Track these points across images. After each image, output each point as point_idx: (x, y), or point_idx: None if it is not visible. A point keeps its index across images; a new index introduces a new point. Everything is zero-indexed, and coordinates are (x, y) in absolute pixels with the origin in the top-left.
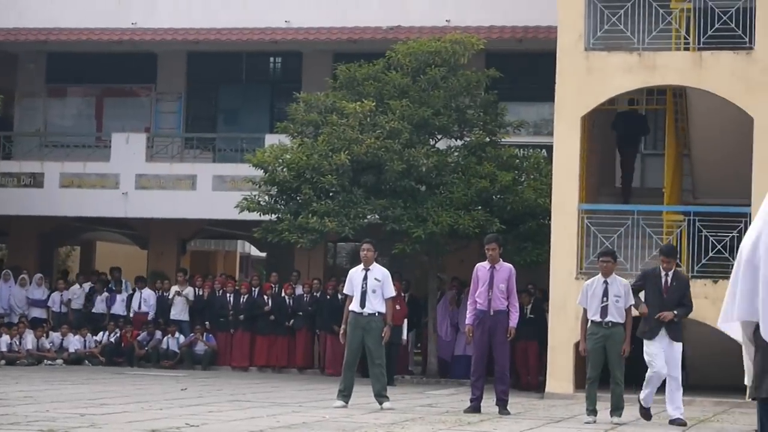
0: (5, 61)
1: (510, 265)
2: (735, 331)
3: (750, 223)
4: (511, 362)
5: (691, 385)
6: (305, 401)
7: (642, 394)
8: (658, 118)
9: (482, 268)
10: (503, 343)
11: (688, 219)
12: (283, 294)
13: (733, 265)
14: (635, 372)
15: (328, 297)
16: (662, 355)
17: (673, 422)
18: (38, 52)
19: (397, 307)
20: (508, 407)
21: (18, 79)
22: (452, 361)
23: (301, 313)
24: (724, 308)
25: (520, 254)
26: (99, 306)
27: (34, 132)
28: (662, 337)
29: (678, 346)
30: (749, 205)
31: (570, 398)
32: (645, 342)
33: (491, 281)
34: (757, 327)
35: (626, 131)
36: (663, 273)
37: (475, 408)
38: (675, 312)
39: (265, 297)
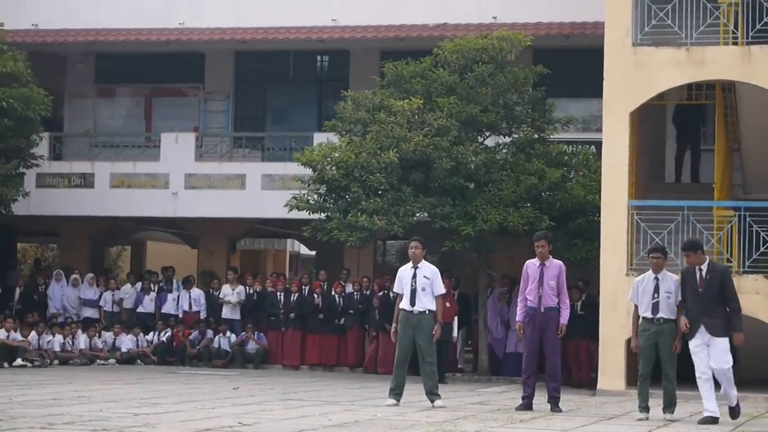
0: (54, 62)
1: (560, 262)
2: None
3: None
4: (562, 359)
5: (744, 381)
6: (357, 399)
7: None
8: (707, 113)
9: (532, 265)
10: (554, 340)
11: (738, 214)
12: (333, 292)
13: None
14: (688, 368)
15: (379, 294)
16: (703, 355)
17: (702, 421)
18: (87, 53)
19: (447, 304)
20: (559, 404)
21: (67, 80)
22: (504, 359)
23: (351, 312)
24: None
25: (569, 251)
26: (148, 306)
27: (84, 133)
28: (702, 335)
29: (720, 341)
30: None
31: (622, 395)
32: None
33: (541, 278)
34: None
35: (686, 124)
36: (695, 269)
37: (526, 405)
38: (686, 322)
39: (315, 295)
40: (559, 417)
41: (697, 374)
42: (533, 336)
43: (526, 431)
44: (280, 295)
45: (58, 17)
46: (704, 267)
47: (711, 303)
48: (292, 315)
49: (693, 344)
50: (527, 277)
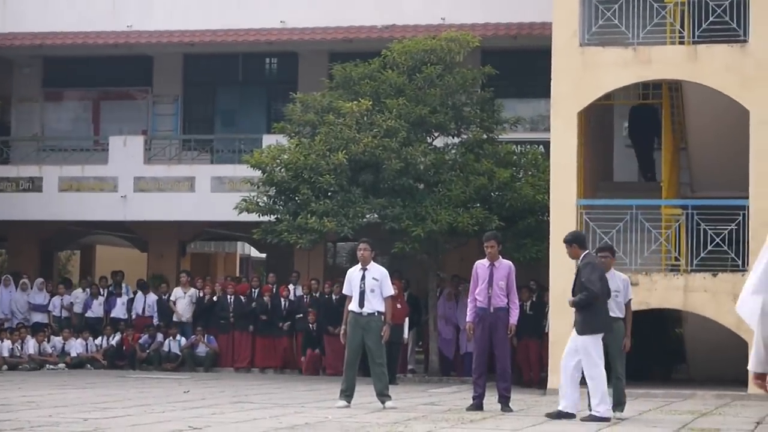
0: (1, 66)
1: (509, 262)
2: (754, 309)
3: (749, 216)
4: (512, 359)
5: (692, 378)
6: (307, 402)
7: None
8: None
9: (481, 265)
10: (504, 340)
11: (686, 213)
12: (280, 296)
13: (732, 257)
14: (637, 366)
15: (326, 297)
16: (572, 350)
17: (585, 419)
18: (34, 56)
19: (398, 305)
20: (510, 404)
21: (14, 83)
22: (455, 359)
23: (299, 315)
24: (746, 286)
25: (519, 251)
26: (97, 310)
27: (31, 137)
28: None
29: (582, 339)
30: (747, 197)
31: None
32: None
33: (491, 278)
34: None
35: (639, 125)
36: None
37: (477, 405)
38: (570, 299)
39: (265, 299)
40: (509, 417)
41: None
42: (483, 336)
43: (477, 431)
44: (230, 299)
45: (5, 21)
46: (579, 261)
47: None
48: (232, 318)
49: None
50: (477, 278)
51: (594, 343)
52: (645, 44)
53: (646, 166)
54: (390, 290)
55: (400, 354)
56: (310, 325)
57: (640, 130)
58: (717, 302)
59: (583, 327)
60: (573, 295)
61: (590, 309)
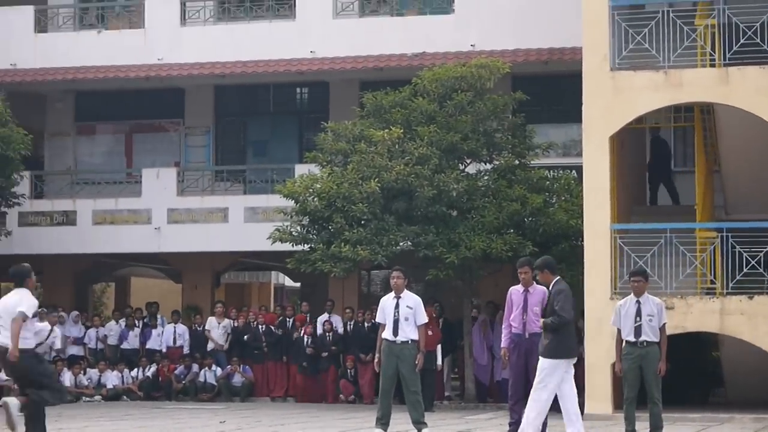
0: (34, 101)
1: (544, 288)
2: None
3: None
4: None
5: (730, 402)
6: (345, 430)
7: None
8: (687, 136)
9: (516, 291)
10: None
11: (721, 236)
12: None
13: (767, 280)
14: (673, 391)
15: (360, 325)
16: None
17: None
18: (66, 91)
19: (430, 332)
20: (547, 430)
21: (47, 118)
22: (491, 385)
23: (334, 347)
24: None
25: None
26: (133, 341)
27: (64, 170)
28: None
29: (543, 361)
30: None
31: (608, 419)
32: None
33: (525, 304)
34: None
35: (655, 156)
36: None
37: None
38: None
39: (305, 336)
40: None
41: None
42: (518, 362)
43: None
44: (261, 328)
45: (37, 56)
46: (551, 287)
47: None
48: (265, 348)
49: None
50: (511, 304)
51: (552, 368)
52: (676, 67)
53: (671, 192)
54: (424, 318)
55: (436, 380)
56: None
57: (658, 159)
58: (753, 325)
59: (548, 350)
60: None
61: (558, 335)
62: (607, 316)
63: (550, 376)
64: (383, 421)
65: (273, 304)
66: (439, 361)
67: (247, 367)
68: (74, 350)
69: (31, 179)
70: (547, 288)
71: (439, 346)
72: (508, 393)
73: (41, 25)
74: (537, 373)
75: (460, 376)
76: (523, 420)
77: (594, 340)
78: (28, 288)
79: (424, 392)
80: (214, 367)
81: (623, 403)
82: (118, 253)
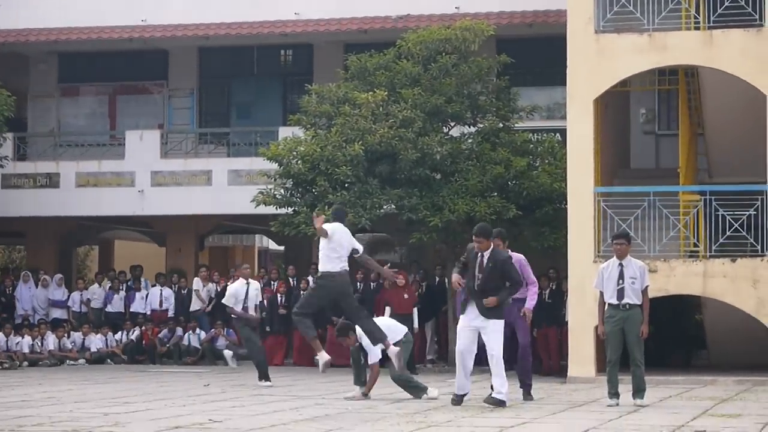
0: (17, 62)
1: (520, 256)
2: None
3: (767, 200)
4: (532, 348)
5: (712, 364)
6: (327, 393)
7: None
8: (671, 99)
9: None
10: (523, 329)
11: (704, 199)
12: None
13: (751, 243)
14: (656, 353)
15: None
16: (467, 333)
17: (488, 401)
18: (49, 52)
19: (405, 296)
20: (531, 392)
21: (30, 80)
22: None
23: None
24: None
25: (537, 239)
26: (117, 305)
27: (48, 132)
28: (472, 315)
29: (494, 322)
30: (765, 182)
31: (592, 382)
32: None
33: None
34: None
35: None
36: (479, 253)
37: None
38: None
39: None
40: (530, 405)
41: (457, 350)
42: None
43: (498, 419)
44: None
45: (20, 17)
46: (486, 254)
47: (488, 288)
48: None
49: (461, 322)
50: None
51: (502, 327)
52: (660, 30)
53: None
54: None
55: (416, 344)
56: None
57: None
58: (736, 288)
59: (497, 312)
60: (479, 281)
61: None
62: (590, 280)
63: (502, 333)
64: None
65: (257, 268)
66: (416, 325)
67: (231, 330)
68: (58, 313)
69: (14, 141)
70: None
71: (415, 309)
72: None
73: None
74: (494, 335)
75: (443, 340)
76: (497, 382)
77: (577, 304)
78: None
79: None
80: (198, 330)
81: (606, 366)
82: (101, 216)
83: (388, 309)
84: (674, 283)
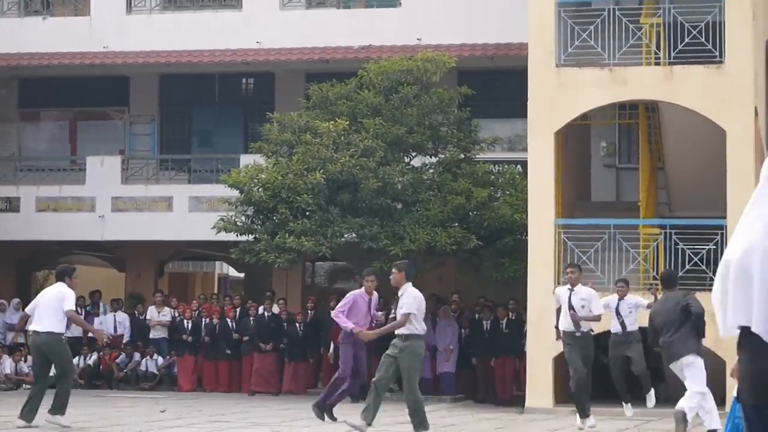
0: None
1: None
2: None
3: (727, 235)
4: (490, 376)
5: (670, 397)
6: (284, 420)
7: None
8: (631, 133)
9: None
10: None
11: (664, 232)
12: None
13: (710, 276)
14: (612, 385)
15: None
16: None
17: None
18: (10, 77)
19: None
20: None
21: None
22: (437, 378)
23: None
24: (719, 321)
25: (497, 270)
26: (74, 329)
27: (8, 157)
28: None
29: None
30: (725, 217)
31: (550, 413)
32: None
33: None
34: (743, 332)
35: None
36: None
37: None
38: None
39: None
40: None
41: None
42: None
43: None
44: (187, 323)
45: None
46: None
47: None
48: (189, 338)
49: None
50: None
51: None
52: (621, 65)
53: None
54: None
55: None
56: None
57: None
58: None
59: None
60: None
61: None
62: (549, 310)
63: None
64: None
65: (218, 295)
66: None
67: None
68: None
69: None
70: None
71: None
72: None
73: None
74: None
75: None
76: None
77: (537, 334)
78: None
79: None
80: (155, 356)
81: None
82: (61, 241)
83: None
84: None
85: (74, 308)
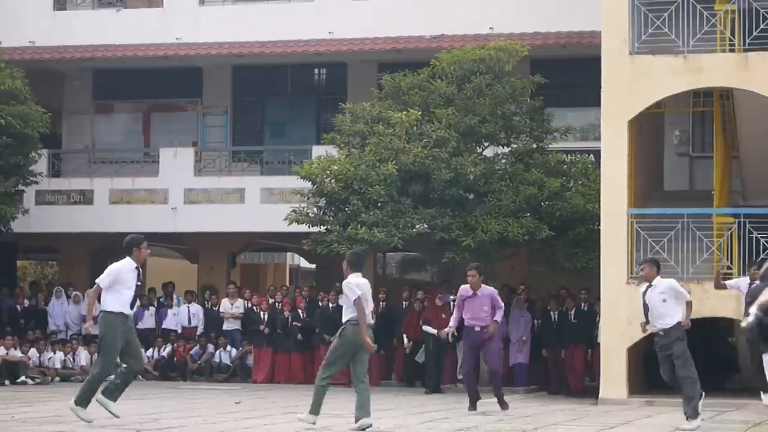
0: (52, 79)
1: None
2: None
3: None
4: (560, 367)
5: (745, 388)
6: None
7: None
8: (705, 121)
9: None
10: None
11: (738, 221)
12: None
13: None
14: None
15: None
16: None
17: None
18: (84, 69)
19: (443, 315)
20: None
21: (65, 97)
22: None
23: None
24: None
25: (570, 260)
26: (148, 321)
27: (82, 149)
28: None
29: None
30: None
31: (624, 403)
32: None
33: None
34: None
35: None
36: None
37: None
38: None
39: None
40: (563, 427)
41: None
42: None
43: None
44: (263, 314)
45: (55, 34)
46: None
47: None
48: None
49: None
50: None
51: None
52: (695, 52)
53: None
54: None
55: (446, 364)
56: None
57: None
58: None
59: None
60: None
61: None
62: (622, 301)
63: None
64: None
65: (289, 285)
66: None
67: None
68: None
69: (48, 158)
70: None
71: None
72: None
73: (60, 2)
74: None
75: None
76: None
77: (610, 325)
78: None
79: (436, 372)
80: (229, 347)
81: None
82: (134, 233)
83: (428, 327)
84: (708, 306)
85: (100, 285)
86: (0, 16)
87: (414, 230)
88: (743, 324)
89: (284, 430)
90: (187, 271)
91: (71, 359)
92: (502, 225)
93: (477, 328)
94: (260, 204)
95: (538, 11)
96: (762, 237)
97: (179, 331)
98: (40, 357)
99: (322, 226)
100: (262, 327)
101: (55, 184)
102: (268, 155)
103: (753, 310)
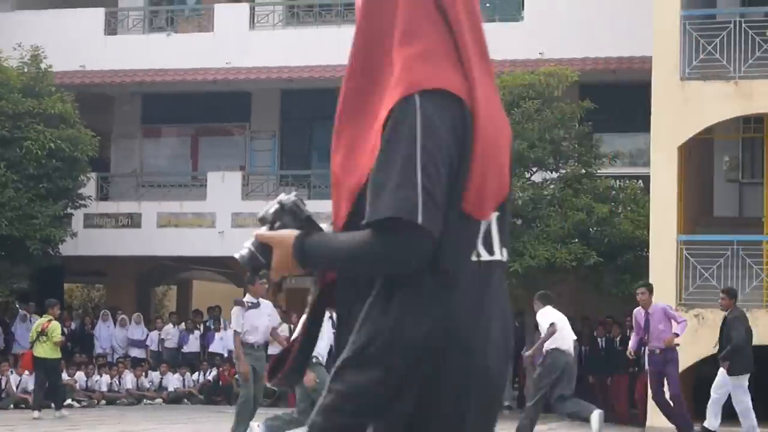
0: (101, 103)
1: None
2: None
3: None
4: (605, 394)
5: None
6: None
7: None
8: (755, 147)
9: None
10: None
11: None
12: None
13: None
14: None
15: None
16: None
17: None
18: (133, 93)
19: None
20: None
21: (114, 120)
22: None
23: None
24: None
25: (618, 286)
26: (193, 345)
27: (130, 173)
28: None
29: None
30: None
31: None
32: None
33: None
34: None
35: None
36: None
37: None
38: None
39: None
40: None
41: None
42: None
43: None
44: None
45: (106, 58)
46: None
47: None
48: None
49: None
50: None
51: None
52: (747, 78)
53: None
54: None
55: None
56: None
57: None
58: None
59: None
60: None
61: None
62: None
63: None
64: None
65: None
66: None
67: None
68: (136, 352)
69: (97, 181)
70: None
71: None
72: None
73: (111, 27)
74: None
75: (521, 385)
76: None
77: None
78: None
79: None
80: None
81: None
82: (181, 257)
83: None
84: (758, 334)
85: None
86: (51, 41)
87: None
88: None
89: None
90: (234, 295)
91: (117, 382)
92: (550, 251)
93: (657, 351)
94: None
95: (588, 36)
96: None
97: (225, 355)
98: (87, 380)
99: None
100: None
101: (103, 207)
102: (315, 179)
103: None
